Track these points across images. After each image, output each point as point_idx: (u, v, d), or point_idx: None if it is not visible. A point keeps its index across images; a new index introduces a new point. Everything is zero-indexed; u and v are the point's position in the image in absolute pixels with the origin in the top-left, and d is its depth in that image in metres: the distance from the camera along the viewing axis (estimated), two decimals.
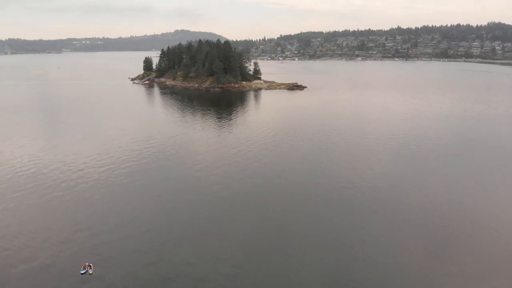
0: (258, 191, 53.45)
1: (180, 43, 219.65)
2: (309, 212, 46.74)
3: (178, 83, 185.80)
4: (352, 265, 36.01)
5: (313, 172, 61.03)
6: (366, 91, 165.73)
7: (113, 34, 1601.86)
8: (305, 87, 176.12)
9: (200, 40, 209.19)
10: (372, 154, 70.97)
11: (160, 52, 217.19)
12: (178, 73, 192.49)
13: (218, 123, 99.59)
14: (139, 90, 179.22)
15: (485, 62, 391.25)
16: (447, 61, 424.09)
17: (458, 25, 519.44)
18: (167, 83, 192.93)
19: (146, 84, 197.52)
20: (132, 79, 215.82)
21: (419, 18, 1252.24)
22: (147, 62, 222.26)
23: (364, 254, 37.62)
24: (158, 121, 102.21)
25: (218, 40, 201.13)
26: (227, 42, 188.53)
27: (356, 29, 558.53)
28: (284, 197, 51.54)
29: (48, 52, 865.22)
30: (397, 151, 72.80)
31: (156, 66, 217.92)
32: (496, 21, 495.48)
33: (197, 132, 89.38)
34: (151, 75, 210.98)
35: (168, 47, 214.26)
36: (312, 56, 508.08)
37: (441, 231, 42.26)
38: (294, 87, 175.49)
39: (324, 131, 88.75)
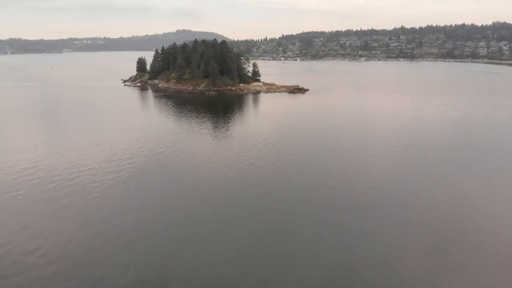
0: (259, 193, 52.48)
1: (174, 43, 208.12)
2: (311, 214, 46.10)
3: (171, 85, 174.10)
4: (354, 266, 35.67)
5: (314, 174, 59.65)
6: (373, 94, 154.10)
7: (114, 34, 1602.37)
8: (307, 90, 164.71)
9: (195, 40, 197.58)
10: (376, 156, 69.36)
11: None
12: (172, 74, 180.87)
13: (214, 129, 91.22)
14: (129, 93, 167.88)
15: (492, 63, 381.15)
16: (453, 61, 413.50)
17: (463, 24, 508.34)
18: (160, 85, 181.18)
19: (138, 86, 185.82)
20: (124, 81, 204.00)
21: (421, 18, 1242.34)
22: (141, 63, 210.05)
23: (366, 255, 37.23)
24: (148, 128, 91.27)
25: (215, 39, 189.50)
26: (224, 42, 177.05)
27: (359, 29, 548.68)
28: (285, 198, 50.64)
29: (49, 52, 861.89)
30: (402, 154, 71.06)
31: (150, 67, 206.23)
32: (501, 21, 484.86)
33: (192, 139, 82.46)
34: (144, 77, 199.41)
35: (163, 47, 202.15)
36: (315, 56, 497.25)
37: (444, 232, 41.81)
38: (296, 90, 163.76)
39: (327, 133, 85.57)
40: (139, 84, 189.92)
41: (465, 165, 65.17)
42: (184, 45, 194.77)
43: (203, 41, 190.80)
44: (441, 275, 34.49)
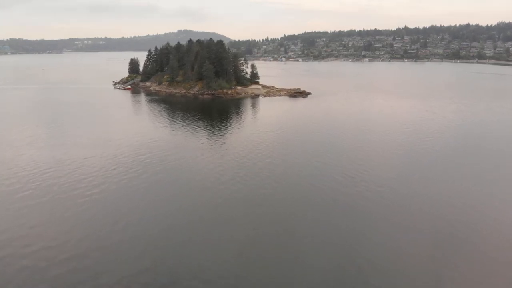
0: (259, 198, 51.59)
1: (167, 42, 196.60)
2: (312, 218, 45.72)
3: (163, 88, 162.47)
4: (355, 270, 35.21)
5: (315, 179, 58.21)
6: (380, 99, 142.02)
7: (116, 34, 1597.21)
8: (309, 93, 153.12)
9: (190, 39, 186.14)
10: (378, 159, 68.68)
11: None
12: (165, 76, 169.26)
13: (209, 136, 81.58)
14: (117, 96, 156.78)
15: (499, 64, 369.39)
16: (459, 62, 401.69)
17: (468, 25, 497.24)
18: (151, 88, 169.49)
19: (128, 89, 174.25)
20: (115, 83, 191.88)
21: (424, 19, 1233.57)
22: (133, 64, 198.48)
23: (368, 259, 36.83)
24: (130, 138, 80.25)
25: (211, 39, 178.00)
26: (220, 42, 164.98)
27: (362, 29, 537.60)
28: (286, 203, 49.91)
29: (49, 52, 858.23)
30: (404, 157, 70.31)
31: (142, 68, 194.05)
32: (506, 21, 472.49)
33: (185, 145, 77.75)
34: (135, 79, 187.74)
35: (156, 47, 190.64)
36: (317, 57, 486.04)
37: (446, 236, 41.52)
38: (297, 93, 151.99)
39: (329, 140, 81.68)
40: (129, 87, 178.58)
41: (469, 168, 63.95)
42: (178, 45, 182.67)
43: (198, 41, 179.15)
44: (442, 279, 34.37)
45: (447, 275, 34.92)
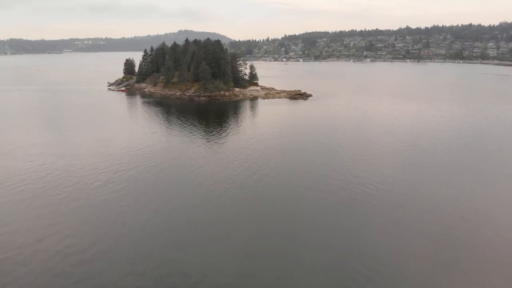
0: (260, 196, 51.69)
1: (163, 42, 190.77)
2: (313, 218, 45.27)
3: (158, 90, 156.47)
4: (356, 270, 34.94)
5: (317, 178, 58.30)
6: (385, 102, 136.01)
7: (116, 34, 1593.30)
8: (310, 95, 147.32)
9: (187, 39, 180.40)
10: (380, 161, 67.47)
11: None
12: (161, 78, 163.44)
13: (205, 139, 75.98)
14: (111, 98, 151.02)
15: (503, 64, 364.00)
16: (462, 62, 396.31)
17: (470, 25, 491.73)
18: (146, 89, 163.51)
19: (122, 91, 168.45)
20: (109, 84, 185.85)
21: (425, 19, 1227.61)
22: (129, 65, 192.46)
23: (369, 259, 36.52)
24: (115, 145, 74.97)
25: (208, 38, 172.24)
26: (217, 42, 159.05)
27: (363, 29, 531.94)
28: (287, 202, 49.97)
29: (49, 53, 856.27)
30: (404, 157, 69.78)
31: (138, 69, 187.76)
32: (508, 21, 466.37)
33: (180, 149, 74.58)
34: (130, 80, 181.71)
35: (152, 47, 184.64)
36: (318, 57, 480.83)
37: (448, 237, 40.78)
38: (297, 95, 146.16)
39: (330, 144, 79.31)
40: (123, 88, 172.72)
41: (477, 172, 62.04)
42: (175, 45, 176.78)
43: (195, 41, 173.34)
44: (444, 279, 34.19)
45: (449, 275, 34.89)
